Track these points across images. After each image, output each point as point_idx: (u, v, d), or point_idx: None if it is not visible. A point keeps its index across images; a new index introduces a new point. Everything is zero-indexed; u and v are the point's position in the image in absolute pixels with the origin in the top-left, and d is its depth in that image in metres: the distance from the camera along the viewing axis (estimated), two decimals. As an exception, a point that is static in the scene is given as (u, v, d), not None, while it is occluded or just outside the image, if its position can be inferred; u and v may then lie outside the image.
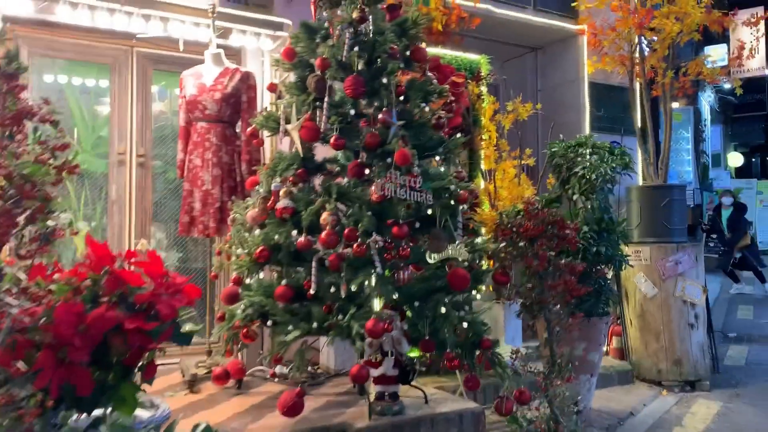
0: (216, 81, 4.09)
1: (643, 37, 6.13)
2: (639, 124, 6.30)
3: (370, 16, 3.41)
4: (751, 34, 9.51)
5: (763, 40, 6.44)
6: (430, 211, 3.25)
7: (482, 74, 5.45)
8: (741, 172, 24.68)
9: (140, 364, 1.86)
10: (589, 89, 6.82)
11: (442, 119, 3.49)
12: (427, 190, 3.17)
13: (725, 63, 10.03)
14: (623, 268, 4.84)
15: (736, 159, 22.52)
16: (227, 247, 3.48)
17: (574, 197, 4.74)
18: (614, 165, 4.66)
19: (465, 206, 3.49)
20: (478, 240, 3.50)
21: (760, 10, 8.71)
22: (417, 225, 3.26)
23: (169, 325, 2.04)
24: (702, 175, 15.63)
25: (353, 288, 3.01)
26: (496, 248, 3.40)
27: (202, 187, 4.03)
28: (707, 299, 5.89)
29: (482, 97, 5.47)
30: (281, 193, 3.21)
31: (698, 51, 12.49)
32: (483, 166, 5.53)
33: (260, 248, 3.15)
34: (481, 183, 5.47)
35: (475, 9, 5.69)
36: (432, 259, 3.19)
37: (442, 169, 3.54)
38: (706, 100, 16.88)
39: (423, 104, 3.51)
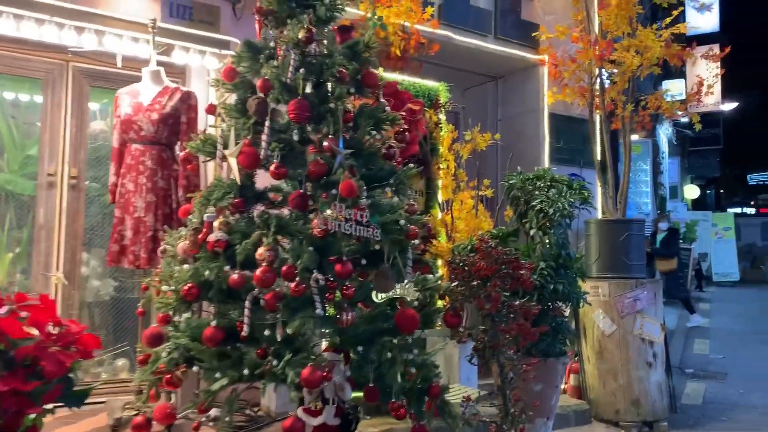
0: (154, 100, 3.82)
1: (603, 70, 6.09)
2: (598, 156, 6.23)
3: (320, 37, 3.20)
4: (707, 70, 9.68)
5: (719, 77, 6.46)
6: (378, 247, 3.02)
7: (441, 102, 5.30)
8: (697, 205, 25.25)
9: (19, 432, 1.56)
10: (549, 120, 6.74)
11: (393, 148, 3.28)
12: (375, 224, 2.94)
13: (683, 97, 10.15)
14: (581, 305, 4.68)
15: (692, 191, 23.02)
16: (155, 281, 3.17)
17: (532, 232, 4.57)
18: (572, 199, 4.52)
19: (417, 241, 3.28)
20: (430, 277, 3.28)
21: (716, 47, 8.86)
22: (363, 262, 3.02)
23: (57, 384, 1.74)
24: (660, 206, 15.83)
25: (290, 331, 2.75)
26: (448, 287, 3.18)
27: (134, 214, 3.73)
28: (665, 335, 5.79)
29: (440, 125, 5.31)
30: (215, 224, 2.94)
31: (656, 85, 12.73)
32: (440, 197, 5.36)
33: (188, 285, 2.86)
34: (438, 214, 5.29)
35: (434, 35, 5.56)
36: (379, 298, 2.95)
37: (395, 200, 3.32)
38: (664, 133, 17.19)
39: (374, 132, 3.30)
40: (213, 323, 2.85)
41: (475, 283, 3.06)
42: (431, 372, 3.09)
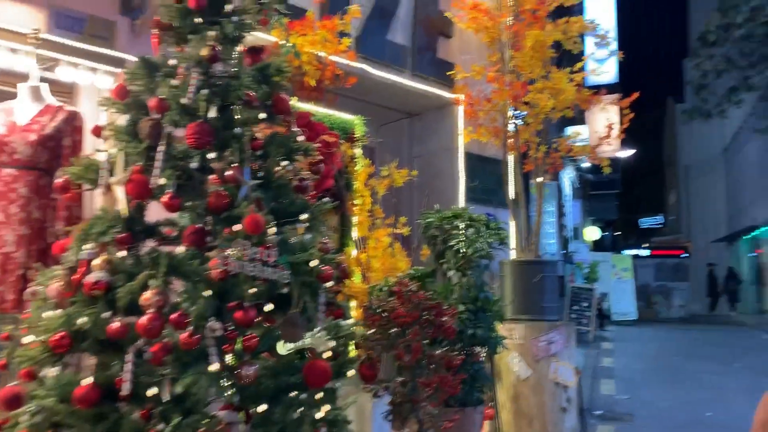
0: (33, 120, 3.35)
1: (517, 111, 6.12)
2: (512, 197, 6.21)
3: (226, 57, 2.90)
4: (607, 119, 10.08)
5: (621, 124, 6.67)
6: (287, 290, 2.69)
7: (357, 135, 5.08)
8: (596, 246, 26.43)
9: None
10: (465, 159, 6.69)
11: (306, 180, 2.99)
12: (283, 264, 2.62)
13: (586, 142, 10.51)
14: (498, 350, 4.51)
15: (594, 233, 24.06)
16: (20, 329, 2.68)
17: (450, 273, 4.39)
18: (491, 240, 4.39)
19: (330, 283, 2.98)
20: (344, 323, 2.97)
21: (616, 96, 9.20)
22: (269, 307, 2.68)
23: None
24: (564, 248, 16.34)
25: (180, 388, 2.35)
26: (363, 335, 2.89)
27: (2, 249, 3.21)
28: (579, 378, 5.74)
29: (356, 159, 5.08)
30: (95, 263, 2.51)
31: (560, 130, 13.20)
32: (355, 234, 5.10)
33: (59, 334, 2.41)
34: (353, 252, 5.01)
35: (350, 68, 5.37)
36: (285, 349, 2.62)
37: (307, 237, 3.01)
38: (567, 176, 17.90)
39: (285, 162, 3.00)
40: (87, 380, 2.40)
41: (393, 330, 2.79)
42: (343, 430, 2.78)
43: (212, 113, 2.79)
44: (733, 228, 23.91)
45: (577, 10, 10.27)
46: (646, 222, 46.24)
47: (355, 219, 5.05)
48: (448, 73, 6.36)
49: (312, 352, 2.71)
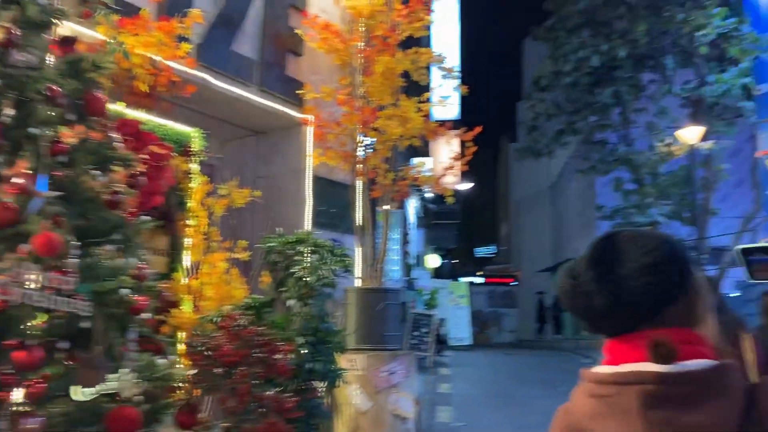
0: None
1: (366, 136, 6.03)
2: (359, 223, 6.07)
3: (28, 43, 2.42)
4: (451, 151, 10.45)
5: (466, 156, 6.85)
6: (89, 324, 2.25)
7: (193, 149, 4.65)
8: (437, 273, 27.43)
9: None
10: (312, 182, 6.45)
11: (121, 194, 2.57)
12: (84, 293, 2.19)
13: (430, 173, 10.77)
14: (337, 384, 4.27)
15: (435, 261, 24.91)
16: None
17: (290, 302, 4.09)
18: (335, 267, 4.17)
19: (147, 314, 2.56)
20: (161, 362, 2.57)
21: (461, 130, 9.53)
22: (64, 345, 2.22)
23: None
24: (407, 274, 16.68)
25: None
26: (184, 375, 2.50)
27: None
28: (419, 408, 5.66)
29: (192, 175, 4.64)
30: None
31: (406, 160, 13.49)
32: (188, 258, 4.62)
33: None
34: (183, 278, 4.53)
35: (190, 76, 4.93)
36: (81, 395, 2.17)
37: (119, 262, 2.58)
38: (412, 204, 18.40)
39: (97, 173, 2.56)
40: None
41: (218, 370, 2.44)
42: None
43: (4, 109, 2.31)
44: (557, 259, 26.01)
45: (424, 45, 10.60)
46: (481, 251, 49.13)
47: (187, 241, 4.59)
48: (297, 92, 6.12)
49: (119, 397, 2.28)
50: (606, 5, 13.41)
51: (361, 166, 6.01)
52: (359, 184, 6.19)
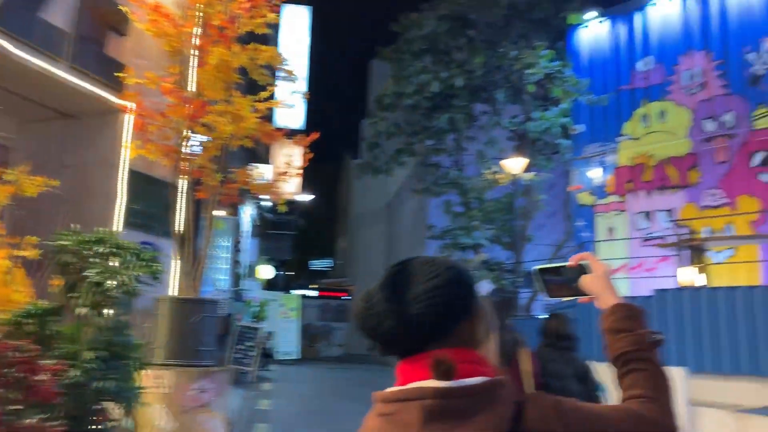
0: None
1: (194, 132, 5.55)
2: (179, 226, 5.55)
3: None
4: (290, 158, 10.18)
5: (298, 164, 6.66)
6: None
7: (-26, 125, 3.91)
8: (268, 285, 26.77)
9: None
10: (128, 177, 5.80)
11: None
12: None
13: (269, 181, 10.41)
14: (133, 405, 3.76)
15: (268, 272, 24.31)
16: None
17: (82, 310, 3.53)
18: (140, 273, 3.68)
19: None
20: None
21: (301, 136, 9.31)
22: None
23: None
24: (236, 284, 15.98)
25: None
26: None
27: None
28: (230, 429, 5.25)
29: (-30, 155, 3.90)
30: None
31: (243, 164, 12.96)
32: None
33: None
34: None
35: (-20, 38, 4.18)
36: None
37: None
38: (247, 212, 17.75)
39: None
40: None
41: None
42: None
43: None
44: (389, 275, 26.56)
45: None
46: (317, 264, 49.11)
47: (-43, 233, 3.83)
48: (116, 75, 5.48)
49: None
50: (448, 34, 14.00)
51: (186, 163, 5.52)
52: (182, 184, 5.68)
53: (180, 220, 5.57)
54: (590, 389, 3.62)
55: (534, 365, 3.45)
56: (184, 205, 5.68)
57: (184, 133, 5.48)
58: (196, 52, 5.51)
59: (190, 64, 5.62)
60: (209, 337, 5.22)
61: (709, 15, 10.33)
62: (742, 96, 9.75)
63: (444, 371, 0.91)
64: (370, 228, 33.35)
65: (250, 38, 6.00)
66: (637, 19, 11.24)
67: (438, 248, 14.13)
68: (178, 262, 5.49)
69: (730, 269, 9.24)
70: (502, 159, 13.02)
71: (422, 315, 0.95)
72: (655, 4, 11.05)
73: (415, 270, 0.99)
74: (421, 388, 0.92)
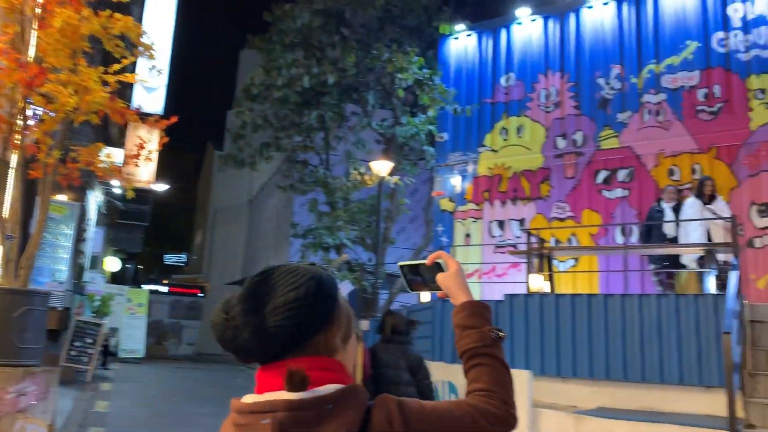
0: None
1: (31, 102, 4.92)
2: (4, 207, 4.88)
3: None
4: (145, 142, 9.45)
5: (157, 147, 6.18)
6: None
7: None
8: (115, 278, 24.97)
9: None
10: (-57, 147, 5.02)
11: None
12: None
13: (121, 165, 9.62)
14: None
15: (114, 264, 22.66)
16: None
17: None
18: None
19: None
20: None
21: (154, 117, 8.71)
22: None
23: None
24: (77, 276, 14.64)
25: None
26: None
27: None
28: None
29: None
30: None
31: (91, 143, 11.89)
32: None
33: None
34: None
35: None
36: None
37: None
38: (95, 199, 16.36)
39: None
40: None
41: None
42: None
43: None
44: (247, 273, 25.86)
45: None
46: (171, 259, 46.74)
47: None
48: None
49: None
50: (322, 30, 13.83)
51: (19, 136, 4.87)
52: (13, 159, 5.00)
53: (6, 199, 4.90)
54: (421, 378, 4.19)
55: (364, 357, 4.07)
56: (14, 183, 5.02)
57: (19, 101, 4.83)
58: (39, 11, 4.88)
59: (32, 24, 4.97)
60: (35, 333, 4.63)
61: (567, 38, 11.05)
62: (591, 117, 10.52)
63: (297, 383, 0.91)
64: (231, 223, 32.25)
65: (107, 5, 5.45)
66: (503, 36, 11.77)
67: (301, 247, 13.89)
68: (3, 248, 4.84)
69: (572, 278, 9.92)
70: (369, 161, 13.07)
71: (279, 327, 0.95)
72: (521, 23, 11.62)
73: (277, 280, 0.99)
74: (273, 402, 0.93)
